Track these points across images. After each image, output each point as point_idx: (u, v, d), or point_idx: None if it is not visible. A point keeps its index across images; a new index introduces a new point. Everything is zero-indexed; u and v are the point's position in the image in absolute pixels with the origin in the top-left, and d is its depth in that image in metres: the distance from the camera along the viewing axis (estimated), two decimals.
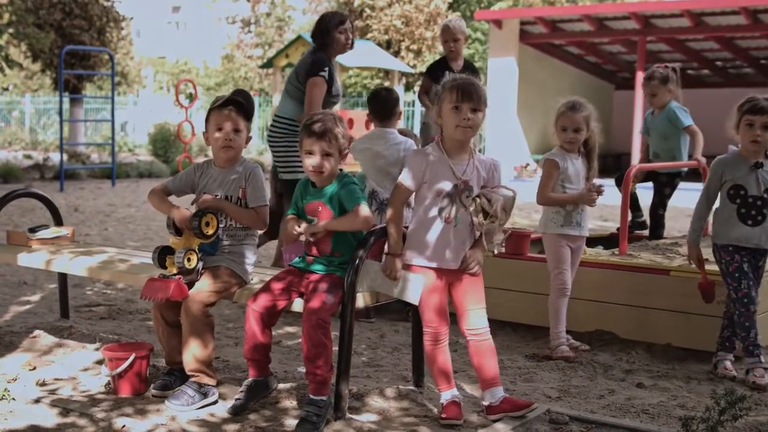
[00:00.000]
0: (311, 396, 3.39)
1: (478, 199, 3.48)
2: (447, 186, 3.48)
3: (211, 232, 3.68)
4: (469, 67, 6.92)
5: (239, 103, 3.79)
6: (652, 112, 6.23)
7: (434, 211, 3.50)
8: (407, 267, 3.55)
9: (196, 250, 3.67)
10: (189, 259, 3.63)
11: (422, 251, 3.52)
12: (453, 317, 3.62)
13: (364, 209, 3.49)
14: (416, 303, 3.56)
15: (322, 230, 3.51)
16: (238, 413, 3.48)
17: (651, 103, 6.21)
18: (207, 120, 3.83)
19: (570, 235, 4.65)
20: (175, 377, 3.78)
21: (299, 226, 3.52)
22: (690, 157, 6.06)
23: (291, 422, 3.40)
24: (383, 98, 5.31)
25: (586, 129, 4.61)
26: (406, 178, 3.53)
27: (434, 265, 3.52)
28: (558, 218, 4.65)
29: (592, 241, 6.07)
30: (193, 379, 3.62)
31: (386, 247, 3.63)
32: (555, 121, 4.66)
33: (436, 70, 6.75)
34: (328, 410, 3.41)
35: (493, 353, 3.58)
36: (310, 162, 3.53)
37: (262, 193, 3.78)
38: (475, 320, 3.56)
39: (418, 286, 3.52)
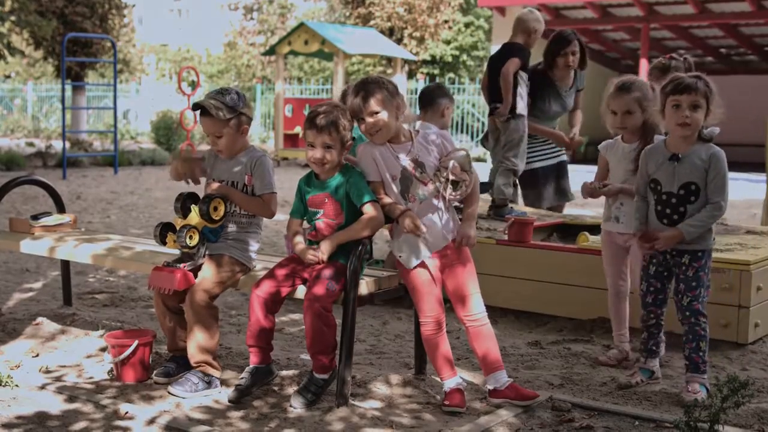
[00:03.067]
0: (313, 373, 3.50)
1: (437, 173, 3.54)
2: (397, 169, 3.55)
3: (218, 216, 3.69)
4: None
5: (207, 110, 3.69)
6: None
7: (396, 196, 3.55)
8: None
9: (199, 230, 3.68)
10: (191, 237, 3.64)
11: (406, 239, 3.54)
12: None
13: (369, 209, 3.51)
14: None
15: (333, 248, 3.51)
16: (240, 398, 3.49)
17: None
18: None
19: (612, 231, 4.28)
20: (176, 364, 3.80)
21: (313, 252, 3.52)
22: None
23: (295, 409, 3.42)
24: (430, 91, 5.28)
25: (640, 111, 4.09)
26: (367, 174, 3.60)
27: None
28: (603, 212, 4.38)
29: (594, 229, 6.08)
30: (197, 369, 3.63)
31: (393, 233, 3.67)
32: (605, 104, 4.18)
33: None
34: (326, 389, 3.50)
35: (493, 337, 3.60)
36: (312, 154, 3.54)
37: (268, 180, 3.78)
38: (474, 306, 3.58)
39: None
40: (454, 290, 3.60)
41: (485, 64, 6.76)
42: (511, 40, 6.17)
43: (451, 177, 3.51)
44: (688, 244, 3.77)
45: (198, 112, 3.77)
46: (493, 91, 6.06)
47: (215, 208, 3.67)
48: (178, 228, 3.68)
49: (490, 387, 3.56)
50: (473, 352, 3.68)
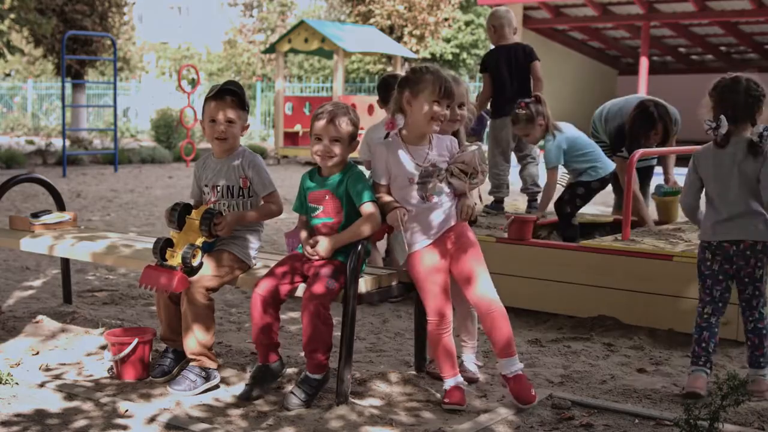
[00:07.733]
0: (307, 374, 3.47)
1: (453, 167, 3.54)
2: (414, 172, 3.53)
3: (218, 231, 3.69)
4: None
5: (232, 93, 3.77)
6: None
7: (413, 196, 3.54)
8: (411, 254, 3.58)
9: (201, 247, 3.68)
10: (194, 256, 3.64)
11: (418, 235, 3.54)
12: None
13: (369, 208, 3.50)
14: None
15: (333, 248, 3.50)
16: (248, 395, 3.50)
17: (529, 143, 5.86)
18: (203, 111, 3.85)
19: None
20: (172, 357, 3.81)
21: (311, 248, 3.53)
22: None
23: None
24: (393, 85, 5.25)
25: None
26: (374, 176, 3.60)
27: (433, 240, 3.55)
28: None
29: (594, 227, 6.08)
30: (194, 363, 3.63)
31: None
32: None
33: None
34: (320, 389, 3.48)
35: (506, 319, 3.55)
36: (318, 147, 3.54)
37: (268, 180, 3.80)
38: (483, 288, 3.54)
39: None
40: (460, 275, 3.57)
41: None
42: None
43: (479, 165, 3.52)
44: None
45: (210, 102, 3.77)
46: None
47: (215, 224, 3.66)
48: (176, 243, 3.67)
49: (503, 372, 3.54)
50: (486, 335, 3.62)
